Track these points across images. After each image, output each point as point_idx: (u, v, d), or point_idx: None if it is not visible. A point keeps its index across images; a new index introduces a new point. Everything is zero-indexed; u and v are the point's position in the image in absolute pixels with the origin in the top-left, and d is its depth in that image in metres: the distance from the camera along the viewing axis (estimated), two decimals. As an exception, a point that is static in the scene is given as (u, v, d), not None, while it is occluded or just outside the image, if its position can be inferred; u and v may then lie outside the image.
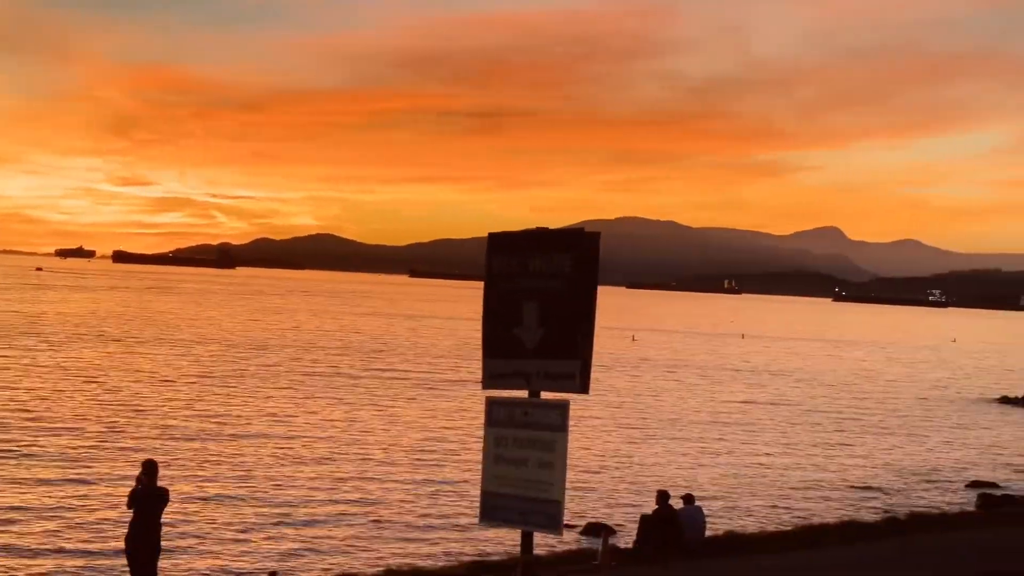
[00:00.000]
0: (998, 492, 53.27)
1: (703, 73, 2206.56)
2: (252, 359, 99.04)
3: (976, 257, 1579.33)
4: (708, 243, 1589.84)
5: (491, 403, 14.21)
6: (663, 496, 29.14)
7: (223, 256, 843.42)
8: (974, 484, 56.39)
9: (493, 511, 14.18)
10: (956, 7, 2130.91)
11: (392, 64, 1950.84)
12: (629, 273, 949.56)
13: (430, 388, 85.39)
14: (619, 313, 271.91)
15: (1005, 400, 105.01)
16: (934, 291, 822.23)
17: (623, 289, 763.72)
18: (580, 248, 13.36)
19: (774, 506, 47.60)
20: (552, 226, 14.03)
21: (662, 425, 72.16)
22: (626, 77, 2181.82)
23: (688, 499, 30.21)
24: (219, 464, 48.53)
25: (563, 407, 13.37)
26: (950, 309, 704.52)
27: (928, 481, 57.40)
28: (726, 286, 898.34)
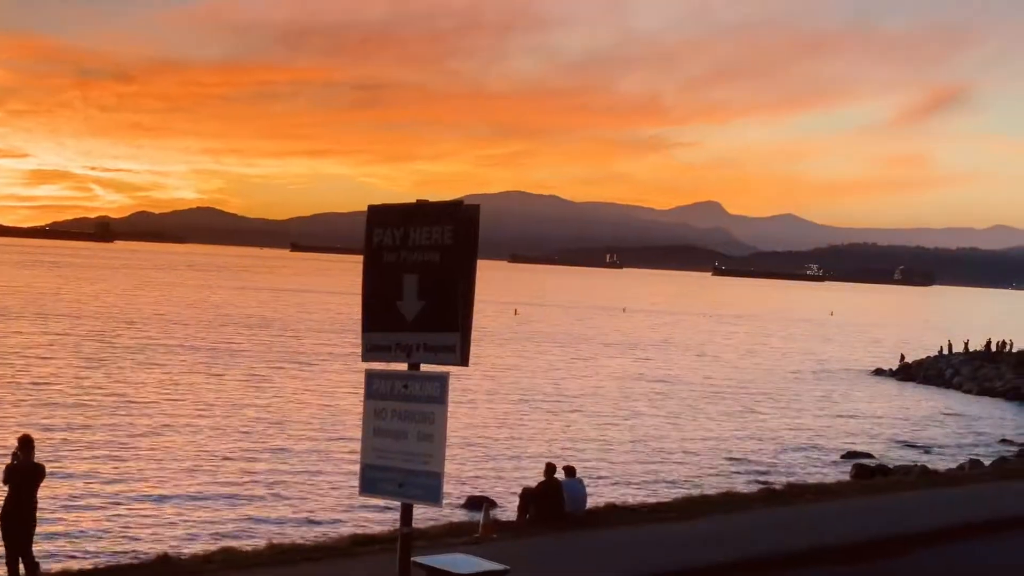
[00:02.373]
0: (872, 462, 54.31)
1: (584, 48, 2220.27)
2: (131, 334, 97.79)
3: (852, 232, 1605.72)
4: (590, 217, 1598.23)
5: (370, 375, 14.19)
6: (550, 468, 29.30)
7: (102, 230, 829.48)
8: (849, 455, 57.44)
9: (373, 483, 14.18)
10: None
11: (273, 36, 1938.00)
12: (512, 247, 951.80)
13: (311, 361, 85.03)
14: (502, 287, 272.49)
15: (879, 372, 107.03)
16: (811, 265, 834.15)
17: (505, 263, 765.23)
18: (459, 221, 13.35)
19: (655, 478, 48.09)
20: (435, 200, 14.03)
21: (544, 398, 72.52)
22: (508, 51, 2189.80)
23: (569, 471, 30.39)
24: (97, 440, 47.93)
25: (443, 379, 13.38)
26: (827, 283, 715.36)
27: (805, 452, 58.38)
28: (608, 260, 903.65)
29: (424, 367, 13.75)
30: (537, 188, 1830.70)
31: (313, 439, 51.69)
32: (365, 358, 14.29)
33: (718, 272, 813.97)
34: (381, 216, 14.35)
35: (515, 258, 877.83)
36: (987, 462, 52.44)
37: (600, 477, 46.18)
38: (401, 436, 13.73)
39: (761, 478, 49.48)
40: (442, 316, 13.41)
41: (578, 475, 30.52)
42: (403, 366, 13.93)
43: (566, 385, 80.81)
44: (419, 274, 13.65)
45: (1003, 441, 66.06)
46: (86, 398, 59.41)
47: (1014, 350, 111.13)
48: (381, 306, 14.11)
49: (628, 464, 50.88)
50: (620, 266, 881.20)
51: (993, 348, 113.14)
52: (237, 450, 47.85)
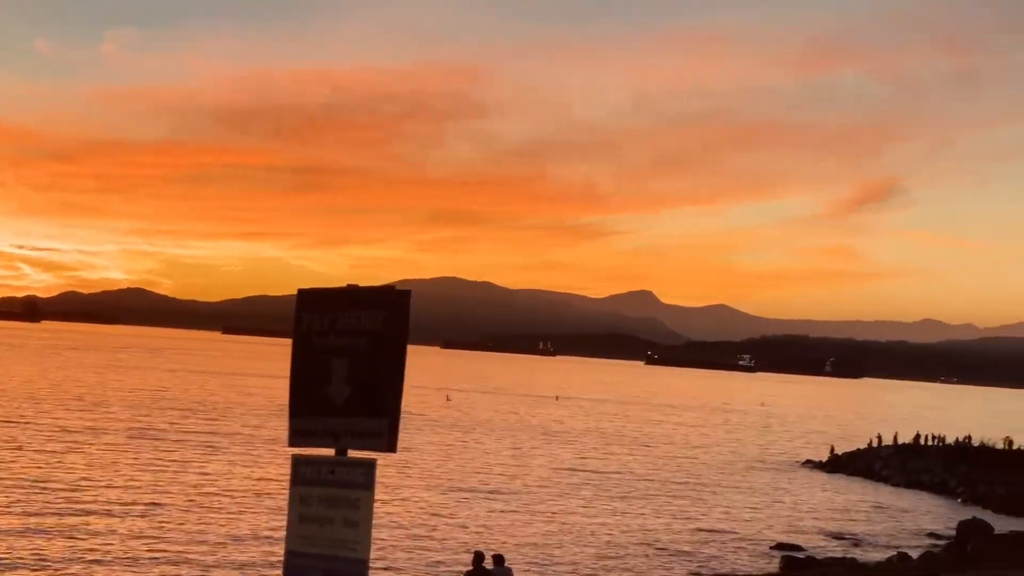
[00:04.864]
0: (801, 554, 54.37)
1: (523, 135, 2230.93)
2: (57, 415, 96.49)
3: (784, 323, 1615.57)
4: (524, 304, 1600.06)
5: (297, 461, 13.98)
6: (478, 557, 29.08)
7: (29, 309, 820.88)
8: (779, 546, 57.46)
9: (298, 571, 13.94)
10: (764, 77, 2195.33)
11: (210, 118, 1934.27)
12: (445, 333, 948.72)
13: (238, 445, 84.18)
14: (434, 373, 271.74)
15: (810, 463, 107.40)
16: (744, 356, 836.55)
17: (438, 349, 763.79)
18: (390, 306, 13.24)
19: (585, 569, 47.85)
20: (367, 285, 13.93)
21: (474, 486, 72.15)
22: (446, 137, 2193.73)
23: (498, 560, 30.19)
24: (14, 518, 47.13)
25: (370, 465, 13.20)
26: (759, 373, 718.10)
27: (735, 543, 58.32)
28: (541, 347, 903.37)
29: (352, 453, 13.59)
30: (471, 274, 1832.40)
31: (237, 524, 51.07)
32: (291, 443, 14.09)
33: (651, 361, 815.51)
34: (311, 300, 14.22)
35: (448, 344, 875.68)
36: (915, 555, 52.66)
37: (529, 566, 45.87)
38: (327, 523, 13.51)
39: (691, 568, 49.35)
40: (370, 402, 13.26)
41: (507, 563, 30.30)
42: (330, 452, 13.77)
43: (497, 473, 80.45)
44: (348, 359, 13.50)
45: (931, 535, 66.35)
46: (9, 479, 58.44)
47: (942, 444, 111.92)
48: (309, 390, 13.95)
49: (558, 554, 50.60)
50: (554, 354, 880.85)
51: (922, 441, 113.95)
52: (155, 532, 47.16)
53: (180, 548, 44.68)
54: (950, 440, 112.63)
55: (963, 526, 61.57)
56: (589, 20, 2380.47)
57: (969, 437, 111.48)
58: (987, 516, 70.20)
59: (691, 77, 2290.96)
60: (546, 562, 48.22)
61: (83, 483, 59.56)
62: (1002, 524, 67.46)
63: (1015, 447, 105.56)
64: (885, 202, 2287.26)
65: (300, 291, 14.36)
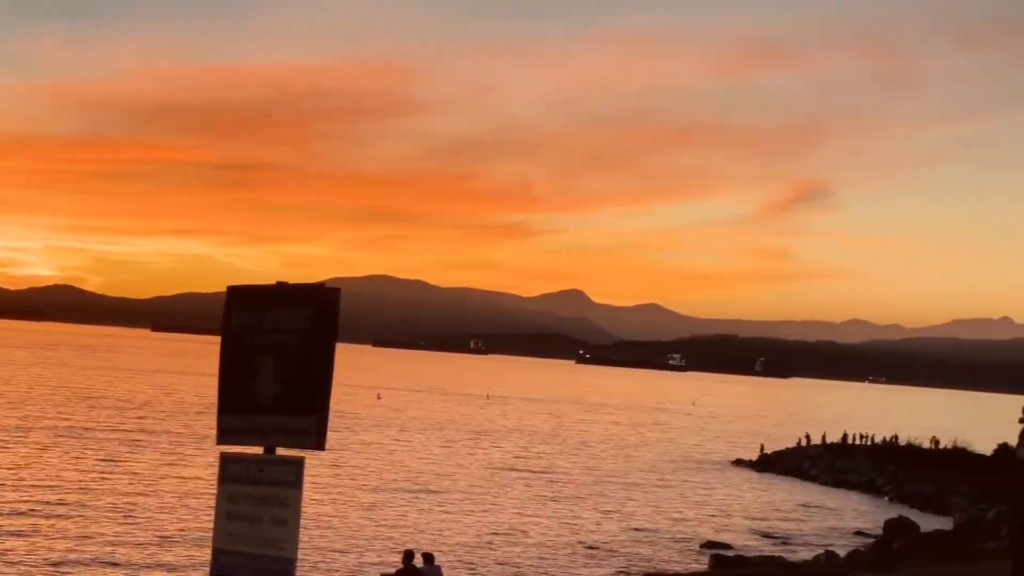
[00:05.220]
0: (731, 553, 54.68)
1: (454, 133, 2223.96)
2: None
3: (714, 323, 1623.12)
4: (456, 303, 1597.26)
5: (225, 459, 13.88)
6: (408, 555, 29.02)
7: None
8: (708, 544, 57.78)
9: (225, 569, 13.84)
10: (695, 78, 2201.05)
11: (138, 113, 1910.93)
12: (376, 331, 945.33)
13: (166, 443, 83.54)
14: (365, 371, 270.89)
15: (740, 463, 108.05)
16: (674, 355, 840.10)
17: (369, 347, 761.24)
18: (319, 303, 13.16)
19: (514, 567, 47.88)
20: (297, 282, 13.84)
21: (404, 484, 72.02)
22: (377, 135, 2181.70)
23: (428, 558, 30.14)
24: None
25: (298, 464, 13.12)
26: (690, 373, 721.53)
27: (665, 541, 58.57)
28: (472, 346, 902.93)
29: (280, 451, 13.51)
30: (403, 273, 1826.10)
31: (165, 523, 50.70)
32: (220, 441, 13.99)
33: (582, 360, 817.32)
34: (240, 297, 14.12)
35: (379, 343, 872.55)
36: (842, 553, 53.09)
37: (460, 564, 45.84)
38: (255, 521, 13.42)
39: (620, 567, 49.51)
40: (299, 399, 13.18)
41: (436, 562, 30.26)
42: (259, 450, 13.68)
43: (427, 472, 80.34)
44: (276, 356, 13.41)
45: (858, 533, 66.93)
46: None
47: (869, 443, 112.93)
48: (237, 388, 13.84)
49: (488, 552, 50.61)
50: (485, 352, 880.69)
51: (850, 440, 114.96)
52: (85, 534, 46.72)
53: (108, 548, 44.28)
54: (877, 440, 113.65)
55: (890, 525, 62.19)
56: (521, 18, 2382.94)
57: (896, 437, 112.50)
58: (913, 515, 70.91)
59: (623, 77, 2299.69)
60: (477, 561, 48.21)
61: (8, 482, 58.90)
62: (928, 522, 68.22)
63: (941, 446, 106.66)
64: (814, 203, 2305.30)
65: (229, 288, 14.25)
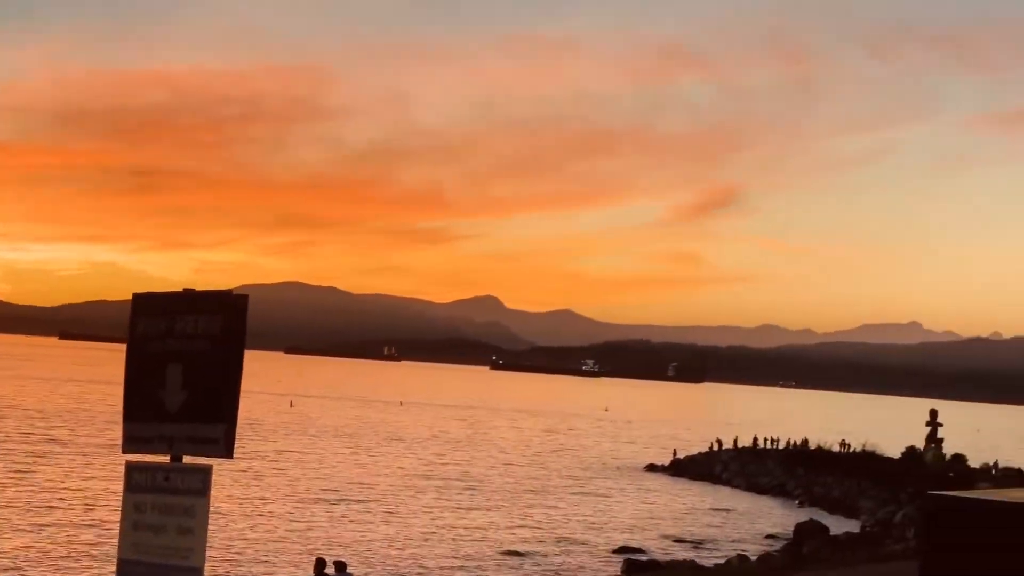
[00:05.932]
0: (643, 558, 54.93)
1: (366, 139, 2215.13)
2: None
3: (627, 328, 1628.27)
4: (368, 309, 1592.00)
5: (130, 468, 13.71)
6: (319, 564, 28.90)
7: None
8: (621, 549, 58.02)
9: (131, 580, 13.66)
10: (607, 84, 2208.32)
11: (44, 118, 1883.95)
12: (288, 338, 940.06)
13: (73, 452, 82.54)
14: (277, 378, 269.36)
15: (652, 468, 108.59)
16: (587, 361, 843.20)
17: (281, 354, 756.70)
18: (227, 310, 13.05)
19: (431, 572, 47.79)
20: (207, 289, 13.72)
21: (317, 492, 71.68)
22: (287, 140, 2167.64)
23: (340, 567, 30.04)
24: None
25: (205, 472, 13.00)
26: (603, 379, 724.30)
27: (578, 547, 58.71)
28: (385, 353, 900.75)
29: (188, 459, 13.38)
30: (316, 279, 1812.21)
31: (71, 532, 50.08)
32: (125, 450, 13.81)
33: (495, 366, 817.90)
34: (146, 304, 13.98)
35: (291, 349, 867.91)
36: (754, 556, 53.53)
37: (372, 572, 45.68)
38: (161, 530, 13.27)
39: (533, 571, 49.57)
40: (207, 407, 13.06)
41: (349, 570, 30.16)
42: (165, 458, 13.53)
43: (340, 479, 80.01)
44: (184, 364, 13.29)
45: (769, 536, 67.49)
46: None
47: (780, 447, 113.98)
48: (143, 396, 13.69)
49: (401, 559, 50.49)
50: (398, 359, 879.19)
51: (760, 445, 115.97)
52: (-6, 545, 46.08)
53: (13, 560, 43.66)
54: (787, 443, 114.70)
55: (800, 527, 62.87)
56: (432, 24, 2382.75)
57: (806, 440, 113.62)
58: (823, 517, 71.71)
59: (534, 83, 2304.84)
60: (390, 568, 48.07)
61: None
62: (838, 525, 68.98)
63: (850, 450, 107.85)
64: (726, 208, 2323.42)
65: (135, 295, 14.10)
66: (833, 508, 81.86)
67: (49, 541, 47.85)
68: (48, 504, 57.84)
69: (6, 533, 48.94)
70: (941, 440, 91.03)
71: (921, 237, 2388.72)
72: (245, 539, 51.52)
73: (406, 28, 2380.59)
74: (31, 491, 62.00)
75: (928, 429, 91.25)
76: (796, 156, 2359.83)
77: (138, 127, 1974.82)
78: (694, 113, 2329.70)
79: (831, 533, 62.03)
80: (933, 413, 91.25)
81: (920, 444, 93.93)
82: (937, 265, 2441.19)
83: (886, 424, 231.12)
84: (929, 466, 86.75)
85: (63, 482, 66.67)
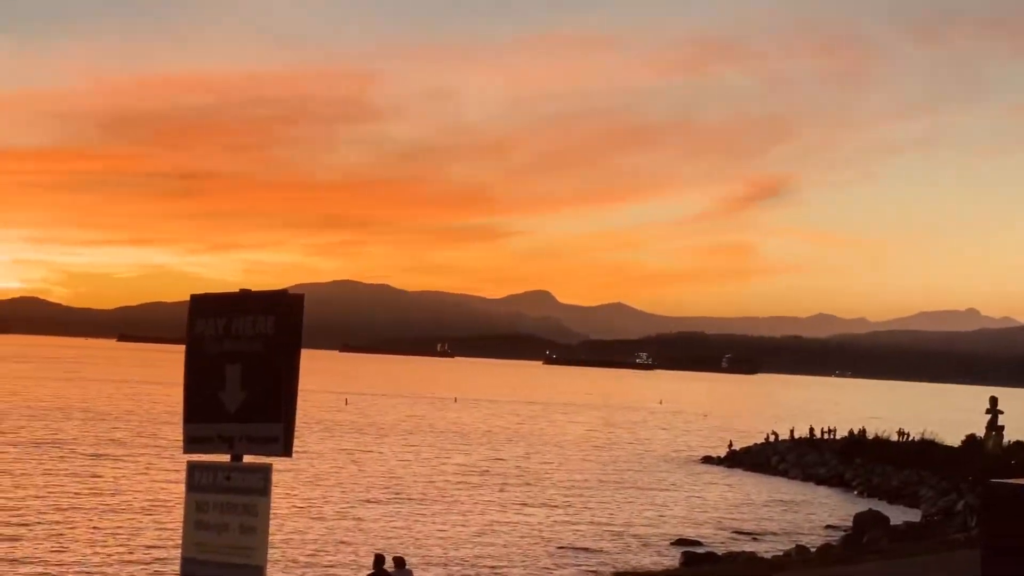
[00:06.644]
0: (701, 550, 54.75)
1: (412, 138, 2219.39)
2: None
3: (680, 320, 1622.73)
4: (421, 307, 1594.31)
5: (192, 467, 13.84)
6: (378, 559, 28.99)
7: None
8: (679, 542, 57.87)
9: (194, 579, 13.78)
10: (652, 78, 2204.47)
11: (89, 123, 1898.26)
12: (342, 336, 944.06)
13: (135, 453, 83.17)
14: (332, 376, 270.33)
15: (708, 460, 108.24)
16: (641, 354, 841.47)
17: (336, 352, 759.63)
18: (283, 310, 13.14)
19: (487, 568, 47.84)
20: (260, 289, 13.81)
21: (374, 489, 71.89)
22: (332, 141, 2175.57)
23: (399, 562, 30.11)
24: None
25: (265, 471, 13.09)
26: (656, 371, 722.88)
27: (635, 539, 58.63)
28: (439, 349, 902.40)
29: (247, 458, 13.48)
30: (368, 277, 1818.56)
31: (134, 532, 50.47)
32: (187, 450, 13.95)
33: (549, 361, 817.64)
34: (204, 305, 14.09)
35: (346, 348, 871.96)
36: (813, 548, 53.23)
37: (430, 566, 45.78)
38: (223, 529, 13.39)
39: (590, 566, 49.54)
40: (265, 406, 13.16)
41: (408, 566, 30.22)
42: (226, 457, 13.64)
43: (397, 475, 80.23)
44: (242, 364, 13.39)
45: (828, 527, 67.15)
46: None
47: (837, 437, 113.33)
48: (203, 397, 13.82)
49: (459, 553, 50.56)
50: (451, 355, 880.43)
51: (817, 435, 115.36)
52: (58, 544, 46.47)
53: (77, 556, 44.06)
54: (845, 433, 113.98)
55: (860, 517, 62.42)
56: (476, 22, 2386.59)
57: (863, 430, 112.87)
58: (883, 507, 71.21)
59: (577, 78, 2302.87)
60: (447, 562, 48.15)
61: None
62: (897, 515, 68.51)
63: (909, 439, 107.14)
64: (775, 199, 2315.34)
65: (193, 297, 14.22)
66: (892, 498, 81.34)
67: (113, 541, 48.23)
68: (112, 504, 58.30)
69: (71, 534, 49.37)
70: (1002, 428, 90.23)
71: (975, 223, 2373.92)
72: (303, 536, 51.76)
73: (448, 27, 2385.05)
74: (95, 492, 62.52)
75: (988, 417, 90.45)
76: (845, 144, 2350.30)
77: (184, 131, 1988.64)
78: (740, 104, 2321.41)
79: (891, 523, 61.62)
80: (993, 400, 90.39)
81: (980, 432, 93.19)
82: (993, 251, 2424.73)
83: (944, 413, 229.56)
84: (990, 454, 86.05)
85: (126, 482, 67.20)
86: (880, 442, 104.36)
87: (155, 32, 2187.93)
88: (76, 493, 61.66)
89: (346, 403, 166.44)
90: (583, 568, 48.61)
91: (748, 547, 56.39)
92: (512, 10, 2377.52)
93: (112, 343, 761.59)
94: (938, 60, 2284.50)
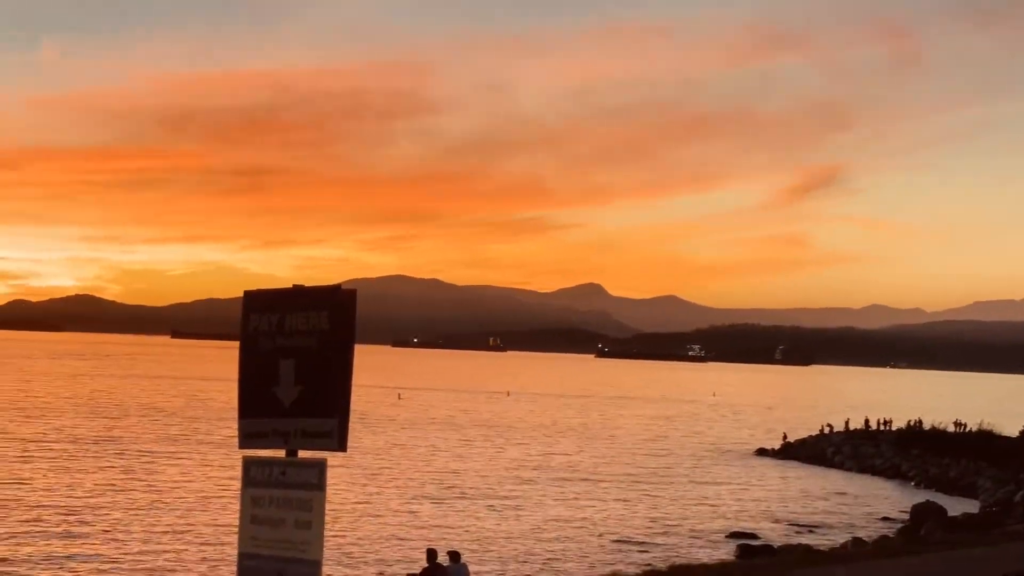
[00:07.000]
0: (757, 542, 54.55)
1: (465, 131, 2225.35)
2: (17, 425, 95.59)
3: (732, 312, 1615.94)
4: (473, 301, 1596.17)
5: (247, 462, 13.87)
6: (431, 554, 29.01)
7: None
8: (734, 535, 57.65)
9: (250, 573, 13.82)
10: (706, 68, 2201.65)
11: (150, 122, 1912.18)
12: (394, 331, 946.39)
13: (190, 448, 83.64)
14: (385, 371, 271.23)
15: (763, 452, 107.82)
16: (693, 346, 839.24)
17: (388, 347, 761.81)
18: (336, 305, 13.15)
19: (541, 562, 47.83)
20: (313, 285, 13.83)
21: (428, 483, 72.01)
22: (387, 135, 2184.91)
23: (454, 556, 30.11)
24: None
25: (320, 465, 13.10)
26: (709, 364, 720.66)
27: (690, 532, 58.46)
28: (491, 343, 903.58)
29: (302, 453, 13.50)
30: (419, 272, 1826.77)
31: (192, 526, 50.76)
32: (242, 445, 13.99)
33: (601, 354, 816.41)
34: (257, 301, 14.12)
35: (398, 342, 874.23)
36: (869, 540, 52.89)
37: (484, 561, 45.80)
38: (279, 524, 13.42)
39: (646, 559, 49.42)
40: (319, 401, 13.18)
41: (463, 560, 30.22)
42: (281, 453, 13.66)
43: (450, 470, 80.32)
44: (296, 359, 13.41)
45: (884, 519, 66.72)
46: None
47: (892, 428, 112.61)
48: (258, 392, 13.85)
49: (513, 548, 50.56)
50: (503, 349, 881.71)
51: (872, 426, 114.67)
52: (115, 538, 46.79)
53: (135, 551, 44.35)
54: (901, 424, 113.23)
55: (917, 509, 61.93)
56: (530, 14, 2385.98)
57: (920, 421, 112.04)
58: (940, 499, 70.65)
59: (633, 69, 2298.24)
60: (502, 557, 48.16)
61: (36, 491, 59.09)
62: (955, 506, 67.96)
63: (966, 430, 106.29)
64: (829, 189, 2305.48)
65: (247, 293, 14.25)
66: (950, 489, 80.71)
67: (170, 537, 48.53)
68: (168, 501, 58.66)
69: (128, 530, 49.69)
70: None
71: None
72: (358, 531, 51.92)
73: (504, 20, 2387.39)
74: (151, 487, 62.93)
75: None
76: (900, 134, 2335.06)
77: (241, 127, 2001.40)
78: (794, 94, 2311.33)
79: (949, 514, 61.12)
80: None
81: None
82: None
83: (1002, 403, 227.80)
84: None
85: (182, 478, 67.61)
86: (937, 433, 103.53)
87: (214, 29, 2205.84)
88: (133, 489, 62.06)
89: (399, 398, 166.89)
90: (638, 562, 48.44)
91: (804, 540, 56.06)
92: (568, 1, 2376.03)
93: (166, 339, 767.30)
94: (996, 48, 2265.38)
